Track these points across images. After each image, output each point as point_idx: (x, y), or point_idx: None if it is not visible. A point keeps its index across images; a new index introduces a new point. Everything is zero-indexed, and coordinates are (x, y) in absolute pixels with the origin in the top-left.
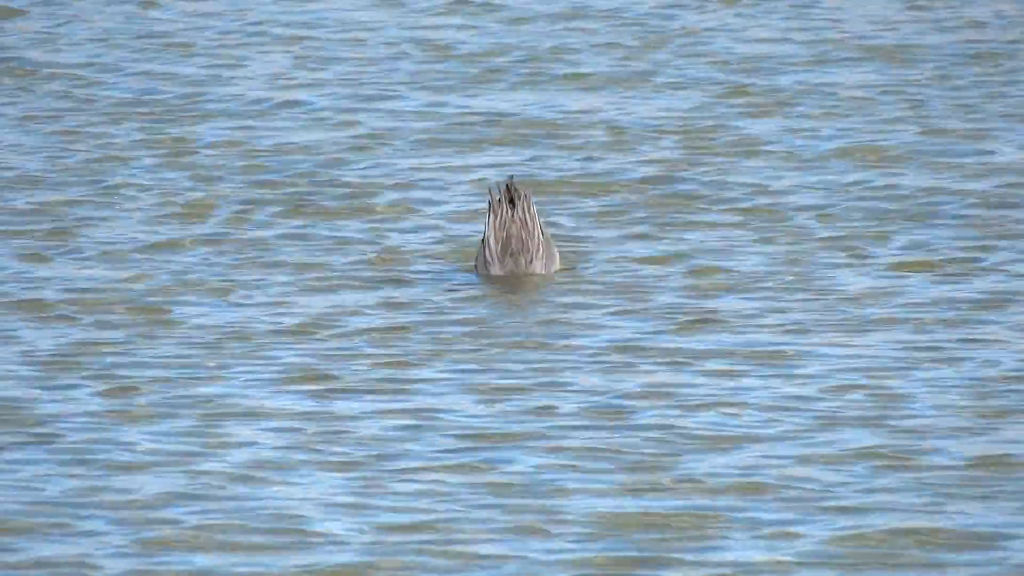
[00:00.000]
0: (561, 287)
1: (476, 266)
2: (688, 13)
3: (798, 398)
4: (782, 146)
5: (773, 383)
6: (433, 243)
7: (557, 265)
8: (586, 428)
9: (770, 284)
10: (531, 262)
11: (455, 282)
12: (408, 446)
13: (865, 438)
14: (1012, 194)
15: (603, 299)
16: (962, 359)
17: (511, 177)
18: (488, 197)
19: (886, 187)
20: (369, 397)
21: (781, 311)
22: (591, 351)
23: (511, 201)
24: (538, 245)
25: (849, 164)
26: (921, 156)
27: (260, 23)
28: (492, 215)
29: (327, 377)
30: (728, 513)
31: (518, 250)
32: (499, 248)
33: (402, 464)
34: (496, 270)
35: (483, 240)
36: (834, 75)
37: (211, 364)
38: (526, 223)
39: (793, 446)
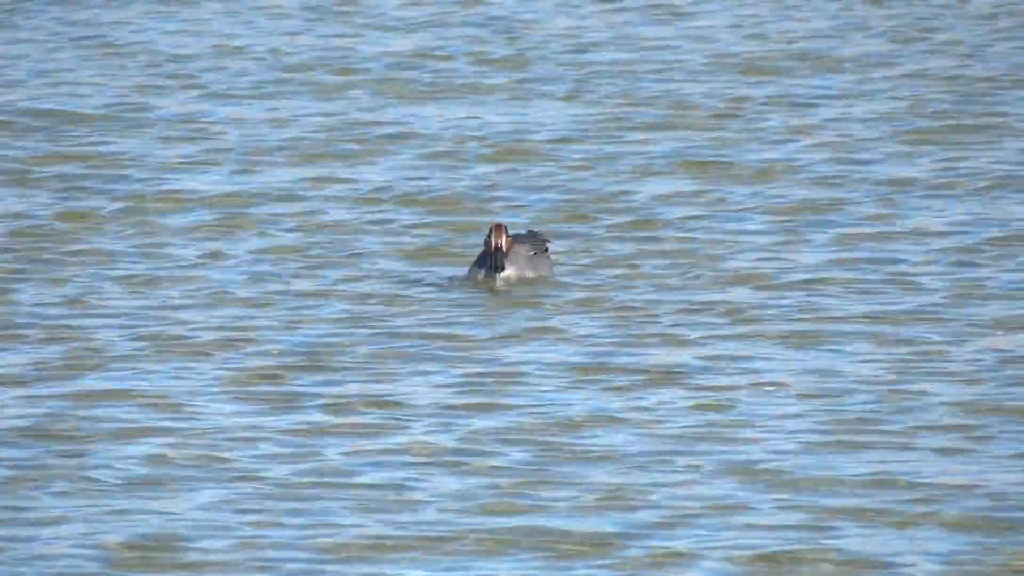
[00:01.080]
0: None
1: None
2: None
3: (678, 412)
4: (673, 158)
5: (658, 399)
6: (317, 256)
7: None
8: (507, 448)
9: (666, 296)
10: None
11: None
12: (315, 464)
13: (755, 454)
14: (894, 211)
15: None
16: (837, 372)
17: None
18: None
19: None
20: (272, 413)
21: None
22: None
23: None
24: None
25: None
26: (804, 170)
27: (108, 34)
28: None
29: (207, 395)
30: (615, 531)
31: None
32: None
33: (305, 480)
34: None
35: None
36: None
37: (87, 383)
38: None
39: (678, 463)
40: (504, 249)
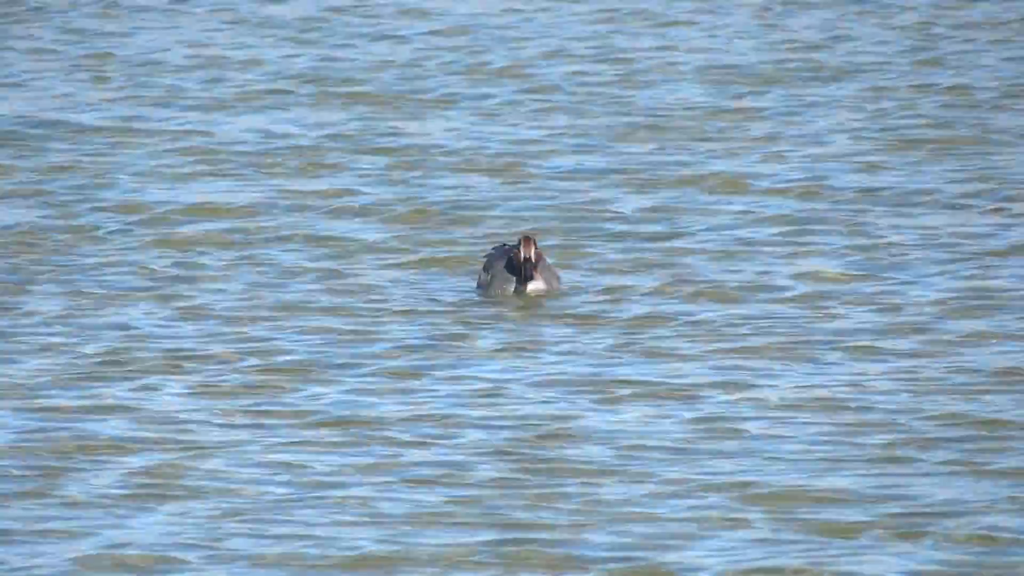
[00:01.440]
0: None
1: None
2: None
3: (669, 426)
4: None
5: (650, 413)
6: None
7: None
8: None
9: (587, 309)
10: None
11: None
12: (296, 478)
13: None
14: (885, 223)
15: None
16: (831, 387)
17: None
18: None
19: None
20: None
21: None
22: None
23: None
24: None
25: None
26: (795, 182)
27: (92, 45)
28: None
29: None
30: (604, 546)
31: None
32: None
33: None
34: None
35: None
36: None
37: (64, 399)
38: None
39: (646, 480)
40: (534, 260)
